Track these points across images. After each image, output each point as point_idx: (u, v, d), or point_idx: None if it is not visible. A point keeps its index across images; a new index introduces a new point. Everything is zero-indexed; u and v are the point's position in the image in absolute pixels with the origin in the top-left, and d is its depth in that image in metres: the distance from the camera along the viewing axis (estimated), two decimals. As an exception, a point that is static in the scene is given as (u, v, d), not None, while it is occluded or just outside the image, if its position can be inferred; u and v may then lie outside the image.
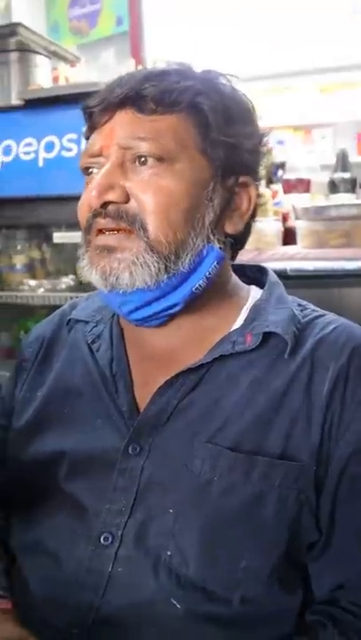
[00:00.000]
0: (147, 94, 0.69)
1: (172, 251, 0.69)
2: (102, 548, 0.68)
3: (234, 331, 0.74)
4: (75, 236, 1.84)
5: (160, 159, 0.69)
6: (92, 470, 0.73)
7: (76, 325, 0.85)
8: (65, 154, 1.72)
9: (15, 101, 1.92)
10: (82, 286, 1.98)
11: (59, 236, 1.88)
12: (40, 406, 0.81)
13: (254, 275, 0.84)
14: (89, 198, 0.70)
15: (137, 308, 0.72)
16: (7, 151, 1.83)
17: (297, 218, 1.76)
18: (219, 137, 0.71)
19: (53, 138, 1.75)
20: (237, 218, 0.75)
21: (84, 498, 0.72)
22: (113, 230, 0.70)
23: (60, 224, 1.92)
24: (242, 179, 0.75)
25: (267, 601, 0.66)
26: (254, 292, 0.80)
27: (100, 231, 0.71)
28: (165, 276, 0.70)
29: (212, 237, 0.72)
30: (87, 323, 0.83)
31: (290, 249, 1.69)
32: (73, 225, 1.87)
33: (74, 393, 0.79)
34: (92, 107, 0.73)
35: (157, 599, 0.65)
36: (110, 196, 0.69)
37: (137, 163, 0.70)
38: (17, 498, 0.79)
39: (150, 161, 0.69)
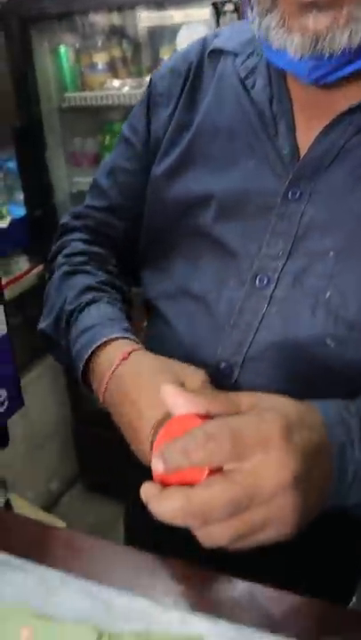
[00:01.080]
0: None
1: None
2: (257, 289, 0.67)
3: None
4: (164, 17, 1.71)
5: None
6: (244, 214, 0.70)
7: (222, 57, 0.75)
8: None
9: None
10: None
11: (146, 17, 1.75)
12: (185, 148, 0.75)
13: None
14: None
15: (327, 73, 0.61)
16: None
17: None
18: None
19: None
20: None
21: (235, 241, 0.70)
22: None
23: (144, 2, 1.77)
24: None
25: None
26: None
27: None
28: None
29: None
30: (237, 55, 0.74)
31: None
32: (160, 4, 1.74)
33: (223, 133, 0.73)
34: None
35: (311, 338, 0.65)
36: None
37: None
38: (155, 247, 0.78)
39: None
